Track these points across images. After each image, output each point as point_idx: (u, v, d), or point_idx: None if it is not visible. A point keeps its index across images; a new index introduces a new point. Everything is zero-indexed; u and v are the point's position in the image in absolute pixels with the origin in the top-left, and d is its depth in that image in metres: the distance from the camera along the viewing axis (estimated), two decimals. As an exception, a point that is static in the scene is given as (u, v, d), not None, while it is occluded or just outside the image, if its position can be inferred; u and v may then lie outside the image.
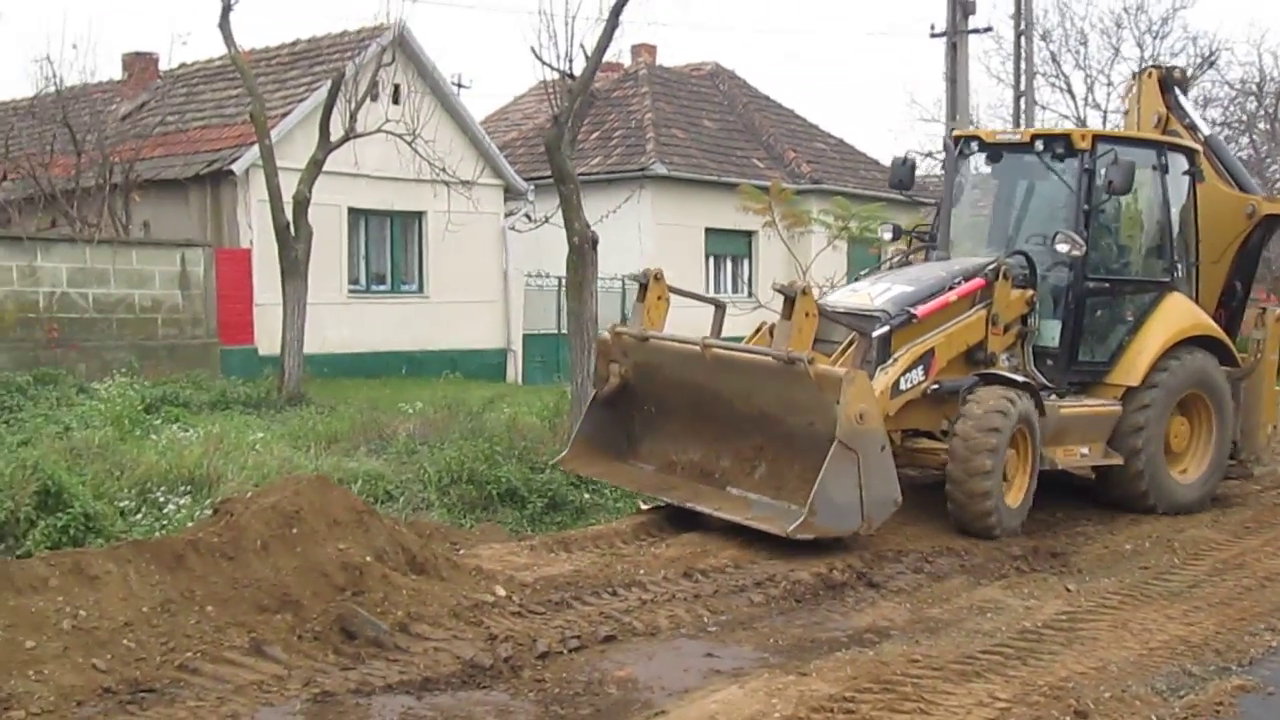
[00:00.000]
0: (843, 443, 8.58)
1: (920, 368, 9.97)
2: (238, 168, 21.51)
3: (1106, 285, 11.50)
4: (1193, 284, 12.17)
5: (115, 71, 27.58)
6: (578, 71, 13.65)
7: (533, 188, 25.64)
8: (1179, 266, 11.91)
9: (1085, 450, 10.98)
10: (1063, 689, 6.35)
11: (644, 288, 10.47)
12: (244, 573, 6.83)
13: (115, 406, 13.06)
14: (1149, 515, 11.08)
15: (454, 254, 23.92)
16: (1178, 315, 11.67)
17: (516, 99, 34.93)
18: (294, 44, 25.94)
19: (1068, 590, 8.49)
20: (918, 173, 13.53)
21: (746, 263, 30.41)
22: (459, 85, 25.82)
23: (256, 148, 18.90)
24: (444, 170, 20.83)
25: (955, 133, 12.36)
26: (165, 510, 9.34)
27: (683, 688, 6.23)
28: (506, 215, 25.84)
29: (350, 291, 23.45)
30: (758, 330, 10.76)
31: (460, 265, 24.17)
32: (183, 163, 22.68)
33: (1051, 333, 11.21)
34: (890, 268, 12.07)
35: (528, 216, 24.98)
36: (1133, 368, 11.29)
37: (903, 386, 9.82)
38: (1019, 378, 10.37)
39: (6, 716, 5.32)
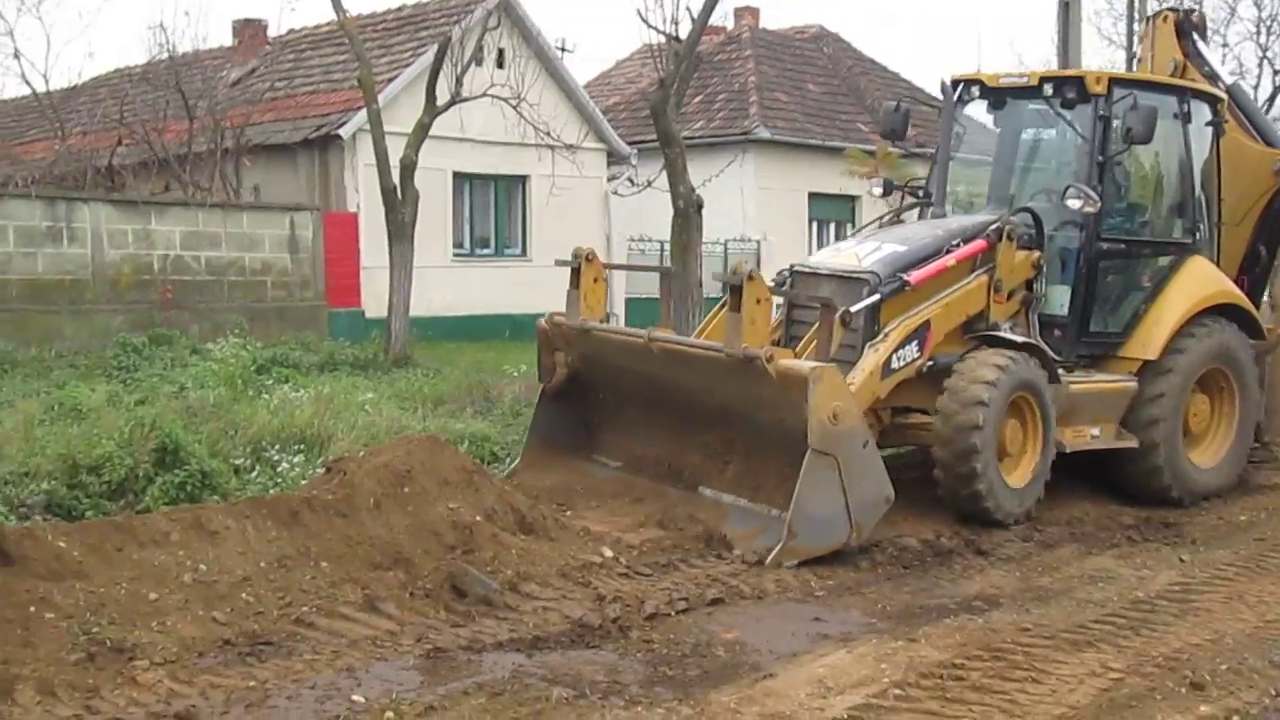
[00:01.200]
0: (817, 450, 7.55)
1: (914, 343, 8.90)
2: (345, 132, 21.76)
3: (1122, 247, 10.32)
4: (1215, 247, 11.00)
5: (226, 38, 28.04)
6: (683, 35, 13.59)
7: (636, 152, 25.64)
8: (1201, 227, 10.71)
9: (1096, 431, 9.77)
10: (1177, 660, 6.24)
11: (576, 272, 9.40)
12: (357, 530, 6.97)
13: (228, 367, 13.30)
14: (1172, 504, 9.94)
15: (557, 218, 24.00)
16: (1200, 281, 10.49)
17: (619, 63, 34.86)
18: (400, 9, 26.15)
19: (1181, 561, 8.34)
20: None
21: (849, 228, 30.13)
22: (563, 49, 25.75)
23: (364, 112, 19.08)
24: (548, 134, 20.89)
25: (953, 76, 11.11)
26: (279, 468, 9.51)
27: (790, 651, 6.22)
28: (609, 179, 25.88)
29: (455, 255, 23.66)
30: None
31: (563, 229, 24.25)
32: (291, 128, 22.99)
33: (1060, 300, 10.05)
34: (880, 226, 10.98)
35: (630, 181, 24.96)
36: (1150, 339, 10.11)
37: (895, 365, 8.77)
38: (1019, 338, 9.33)
39: (132, 665, 5.47)
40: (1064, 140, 10.62)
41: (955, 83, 11.10)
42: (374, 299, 20.29)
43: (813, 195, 28.74)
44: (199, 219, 19.95)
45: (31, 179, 20.73)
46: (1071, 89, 10.12)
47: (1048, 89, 10.27)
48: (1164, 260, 10.52)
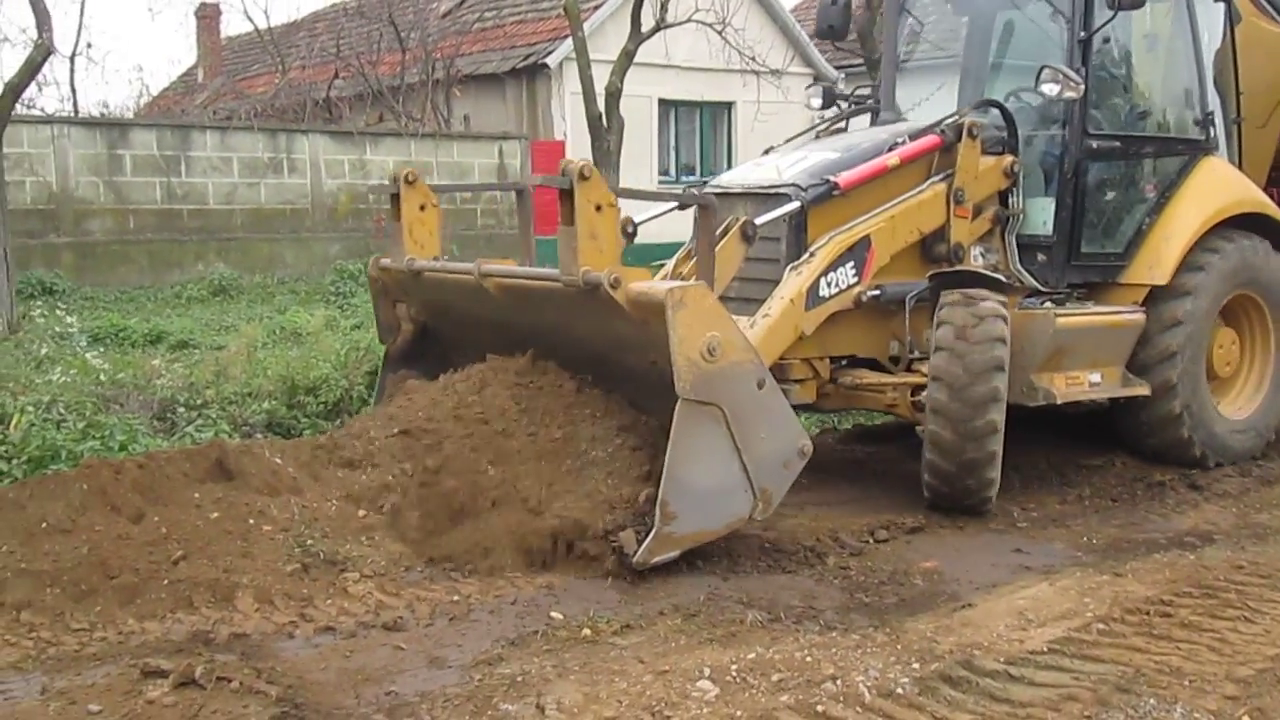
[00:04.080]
0: (691, 399, 5.67)
1: (850, 265, 7.25)
2: (552, 61, 21.98)
3: (1116, 145, 8.34)
4: (1234, 151, 9.10)
5: (437, -30, 28.46)
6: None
7: (843, 76, 25.19)
8: (1216, 122, 8.76)
9: (1096, 377, 7.99)
10: (1406, 602, 5.94)
11: (395, 198, 7.58)
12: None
13: (439, 293, 13.63)
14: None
15: (763, 144, 23.70)
16: (1218, 186, 8.60)
17: (827, -14, 34.24)
18: (606, -64, 26.15)
19: None
20: None
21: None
22: (769, -28, 25.44)
23: (570, 41, 19.18)
24: (753, 59, 20.70)
25: None
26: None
27: (990, 582, 6.12)
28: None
29: (660, 182, 23.74)
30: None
31: (769, 156, 24.09)
32: (500, 57, 23.31)
33: (1043, 216, 8.19)
34: (816, 137, 9.10)
35: (837, 105, 24.55)
36: (1159, 260, 8.26)
37: (824, 292, 7.14)
38: (996, 276, 7.56)
39: (343, 576, 5.70)
40: (1038, 22, 8.59)
41: None
42: (581, 226, 20.46)
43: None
44: (411, 149, 20.43)
45: (254, 112, 21.57)
46: None
47: None
48: (1171, 162, 8.61)
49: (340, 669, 4.81)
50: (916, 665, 4.91)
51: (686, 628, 5.31)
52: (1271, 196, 9.14)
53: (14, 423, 7.44)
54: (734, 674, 4.75)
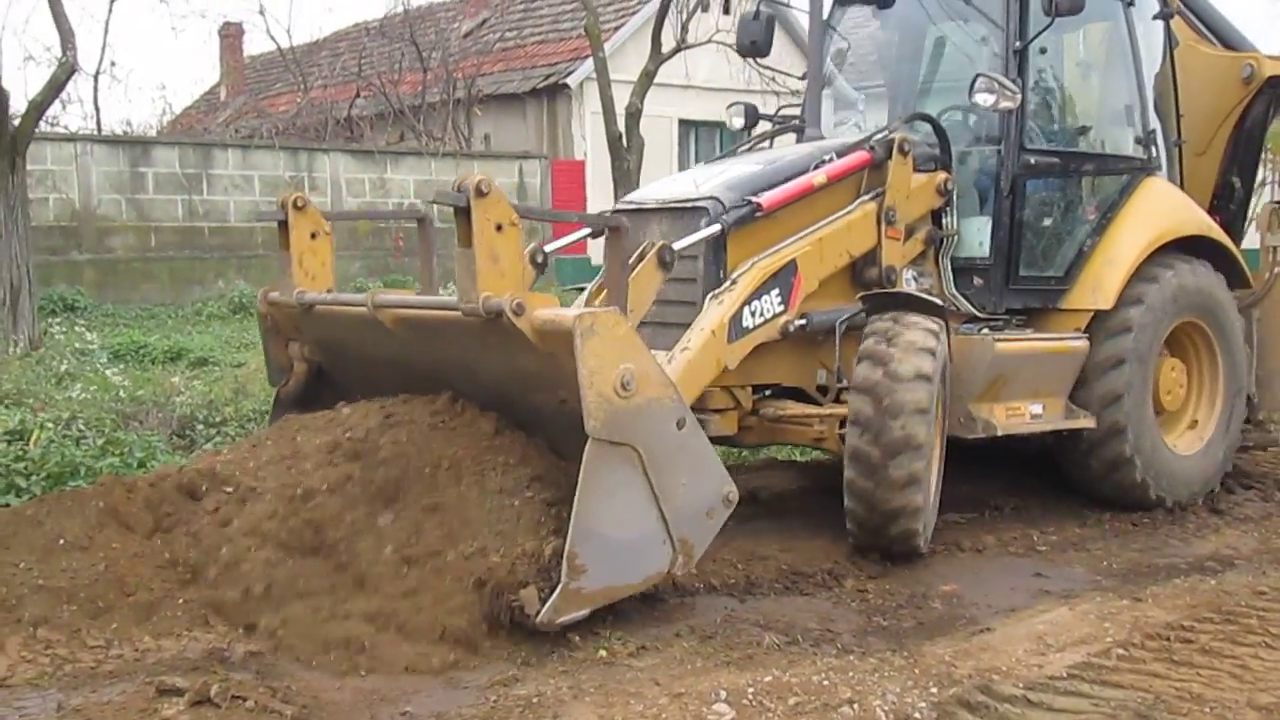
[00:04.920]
0: (602, 440, 5.00)
1: (775, 292, 6.68)
2: (572, 81, 22.07)
3: (1055, 163, 7.91)
4: (1176, 174, 8.67)
5: (459, -10, 28.61)
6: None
7: (863, 97, 25.18)
8: (1159, 141, 8.35)
9: (1038, 408, 7.54)
10: None
11: (283, 225, 6.80)
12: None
13: (458, 312, 13.67)
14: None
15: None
16: (1162, 207, 8.18)
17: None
18: (627, -43, 26.26)
19: None
20: None
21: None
22: (789, -7, 25.48)
23: (590, 61, 19.27)
24: (773, 80, 20.72)
25: None
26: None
27: (1009, 606, 6.08)
28: (835, 125, 25.49)
29: (679, 203, 23.72)
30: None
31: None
32: (520, 77, 23.40)
33: (979, 237, 7.72)
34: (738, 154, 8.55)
35: (858, 127, 24.56)
36: (1102, 284, 7.80)
37: (747, 323, 6.54)
38: (933, 299, 6.97)
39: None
40: (975, 37, 8.18)
41: None
42: (599, 246, 20.51)
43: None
44: (431, 167, 20.51)
45: (276, 130, 21.68)
46: None
47: None
48: (1113, 181, 8.18)
49: (355, 688, 4.80)
50: (934, 690, 4.88)
51: (703, 650, 5.29)
52: (1217, 222, 8.77)
53: (34, 439, 7.47)
54: (750, 697, 4.72)
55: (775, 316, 6.68)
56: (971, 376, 7.21)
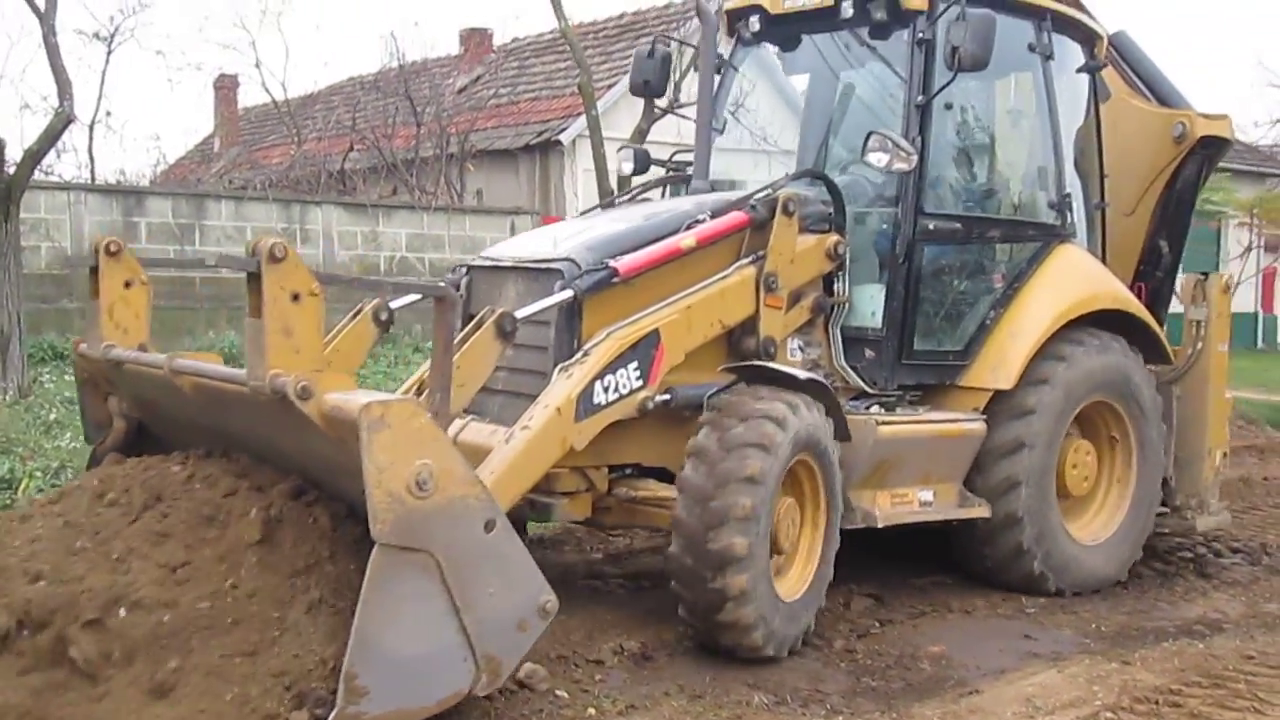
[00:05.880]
0: (390, 545, 4.31)
1: (634, 365, 6.04)
2: (565, 138, 22.20)
3: (957, 228, 7.35)
4: (1098, 240, 8.22)
5: (453, 47, 28.84)
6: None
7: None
8: (1074, 206, 7.86)
9: (928, 495, 7.03)
10: None
11: (94, 271, 6.11)
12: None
13: (448, 366, 13.71)
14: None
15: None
16: (1074, 278, 7.66)
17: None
18: (620, 17, 26.51)
19: None
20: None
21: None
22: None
23: (584, 119, 19.39)
24: (764, 140, 20.87)
25: (726, 5, 8.19)
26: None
27: (998, 668, 6.09)
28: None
29: (671, 260, 23.81)
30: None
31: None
32: (514, 133, 23.53)
33: (872, 306, 7.15)
34: (605, 208, 8.17)
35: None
36: (1004, 360, 7.27)
37: (599, 399, 5.89)
38: (799, 373, 6.29)
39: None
40: (879, 85, 7.67)
41: (728, 14, 8.27)
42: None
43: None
44: (424, 221, 20.56)
45: (269, 182, 21.75)
46: (880, 8, 7.26)
47: (847, 10, 7.37)
48: (1021, 249, 7.64)
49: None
50: (923, 752, 4.88)
51: (692, 709, 5.28)
52: (1138, 292, 8.38)
53: (22, 488, 7.45)
54: (739, 757, 4.71)
55: (633, 392, 6.02)
56: (853, 460, 6.57)
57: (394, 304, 6.36)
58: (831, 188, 7.02)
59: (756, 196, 6.74)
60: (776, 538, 5.93)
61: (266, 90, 29.68)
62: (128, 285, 6.18)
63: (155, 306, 6.43)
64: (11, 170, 12.72)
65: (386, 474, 4.27)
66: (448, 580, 4.45)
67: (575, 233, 6.62)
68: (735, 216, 6.65)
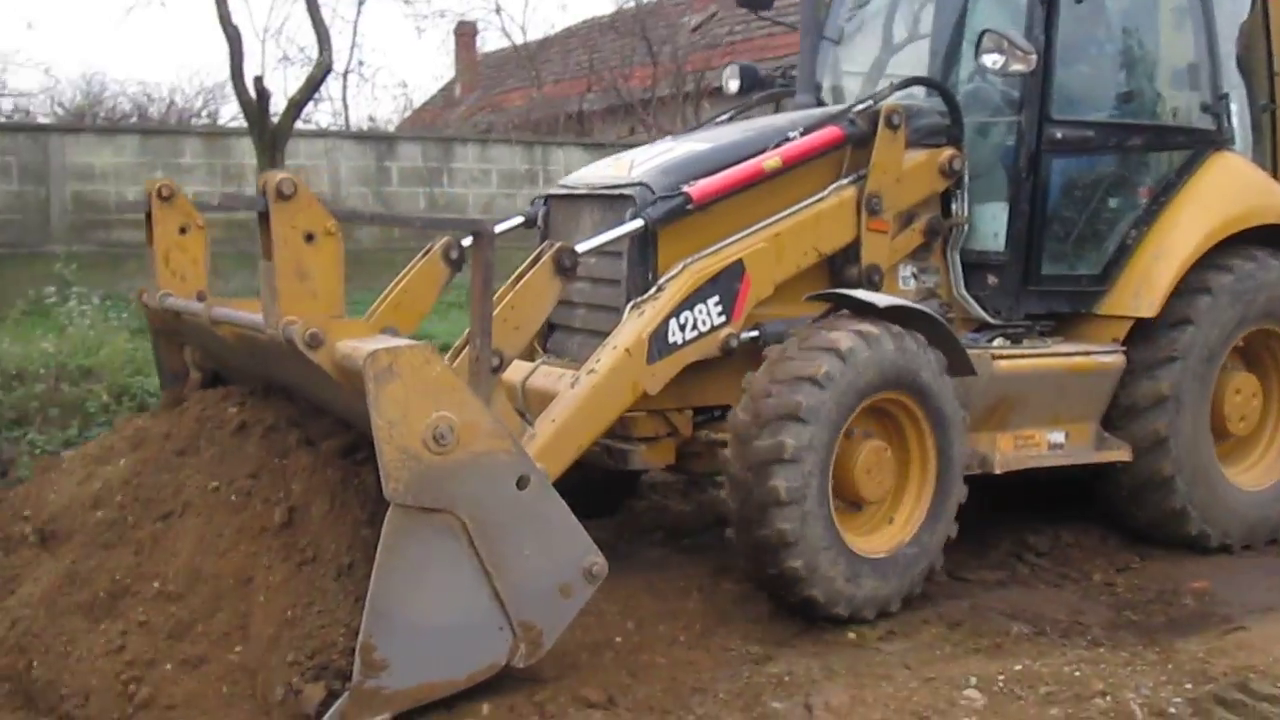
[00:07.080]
0: (406, 506, 3.99)
1: (714, 300, 5.48)
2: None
3: (1090, 135, 6.46)
4: (1265, 147, 7.24)
5: (688, -15, 28.88)
6: None
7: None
8: (1232, 109, 6.86)
9: (1059, 437, 6.25)
10: None
11: (149, 217, 5.67)
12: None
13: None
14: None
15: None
16: (1230, 190, 6.67)
17: None
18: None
19: None
20: None
21: None
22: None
23: (820, 53, 19.26)
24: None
25: None
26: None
27: (1265, 605, 5.92)
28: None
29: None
30: None
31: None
32: (749, 70, 23.51)
33: (995, 228, 6.37)
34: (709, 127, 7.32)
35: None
36: (1147, 284, 6.39)
37: (674, 338, 5.36)
38: (890, 301, 5.58)
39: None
40: None
41: None
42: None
43: None
44: (662, 160, 20.82)
45: (511, 125, 22.29)
46: None
47: None
48: (1168, 158, 6.71)
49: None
50: (1189, 686, 4.81)
51: (951, 637, 5.33)
52: None
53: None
54: (1001, 684, 4.74)
55: (714, 329, 5.49)
56: (966, 402, 5.78)
57: (466, 241, 5.70)
58: (947, 97, 6.26)
59: (855, 109, 6.08)
60: (853, 484, 5.37)
61: (506, 35, 30.34)
62: (183, 231, 5.73)
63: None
64: (276, 119, 13.42)
65: (399, 428, 3.95)
66: (476, 543, 4.12)
67: (655, 155, 6.03)
68: (828, 132, 5.97)
